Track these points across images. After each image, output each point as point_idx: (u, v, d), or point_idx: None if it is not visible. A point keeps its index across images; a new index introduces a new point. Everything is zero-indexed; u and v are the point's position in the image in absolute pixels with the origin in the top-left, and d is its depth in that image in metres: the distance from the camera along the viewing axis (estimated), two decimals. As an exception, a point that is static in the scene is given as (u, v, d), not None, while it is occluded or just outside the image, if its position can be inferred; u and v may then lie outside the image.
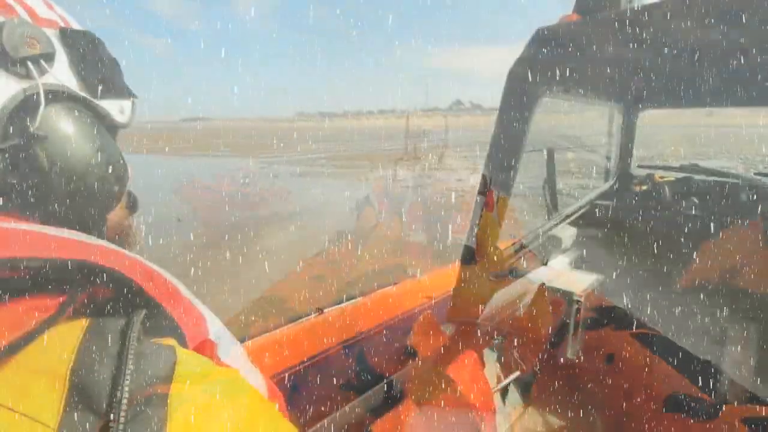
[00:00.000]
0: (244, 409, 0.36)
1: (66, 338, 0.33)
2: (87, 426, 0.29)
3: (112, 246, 0.40)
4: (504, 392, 1.87)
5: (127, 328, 0.34)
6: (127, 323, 0.35)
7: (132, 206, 0.58)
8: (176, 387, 0.33)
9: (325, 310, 1.87)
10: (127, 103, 0.53)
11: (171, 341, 0.38)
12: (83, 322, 0.35)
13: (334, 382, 1.21)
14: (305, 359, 1.40)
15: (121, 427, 0.29)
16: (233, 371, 0.39)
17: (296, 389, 1.22)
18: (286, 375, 1.33)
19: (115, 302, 0.37)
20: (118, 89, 0.52)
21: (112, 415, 0.29)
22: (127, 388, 0.30)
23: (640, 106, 2.29)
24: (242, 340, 1.54)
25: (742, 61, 1.36)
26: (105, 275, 0.35)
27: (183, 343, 0.39)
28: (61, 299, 0.35)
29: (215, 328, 0.43)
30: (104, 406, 0.30)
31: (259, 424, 0.37)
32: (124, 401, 0.30)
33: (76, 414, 0.29)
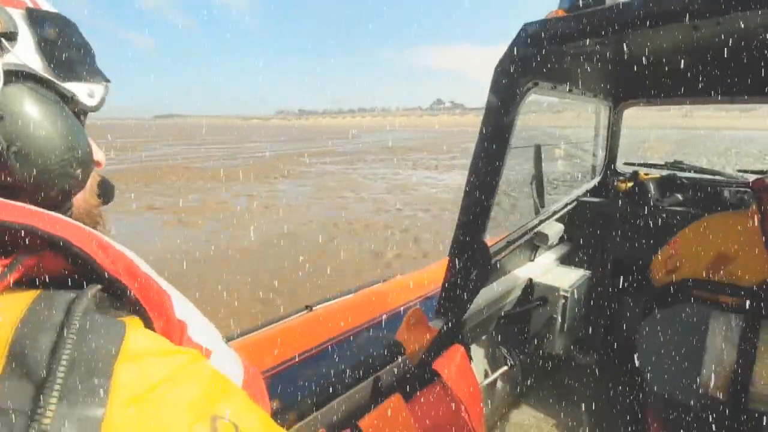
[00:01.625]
0: (201, 386, 0.35)
1: (13, 306, 0.33)
2: (23, 394, 0.29)
3: (62, 217, 0.40)
4: (492, 387, 1.89)
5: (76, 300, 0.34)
6: (78, 296, 0.34)
7: (105, 195, 0.56)
8: (123, 360, 0.32)
9: (314, 307, 1.87)
10: (98, 87, 0.52)
11: (133, 319, 0.37)
12: (33, 293, 0.35)
13: (323, 378, 1.21)
14: (294, 356, 1.40)
15: (55, 395, 0.29)
16: (193, 352, 0.38)
17: (285, 385, 1.22)
18: (275, 372, 1.33)
19: (70, 274, 0.37)
20: (88, 72, 0.51)
21: (47, 384, 0.29)
22: (65, 359, 0.30)
23: (626, 102, 2.32)
24: (230, 338, 1.53)
25: (727, 58, 1.38)
26: (54, 243, 0.35)
27: (146, 319, 0.38)
28: (4, 262, 0.34)
29: (182, 307, 0.42)
30: (42, 375, 0.30)
31: (216, 401, 0.36)
32: (61, 371, 0.30)
33: (13, 382, 0.29)
